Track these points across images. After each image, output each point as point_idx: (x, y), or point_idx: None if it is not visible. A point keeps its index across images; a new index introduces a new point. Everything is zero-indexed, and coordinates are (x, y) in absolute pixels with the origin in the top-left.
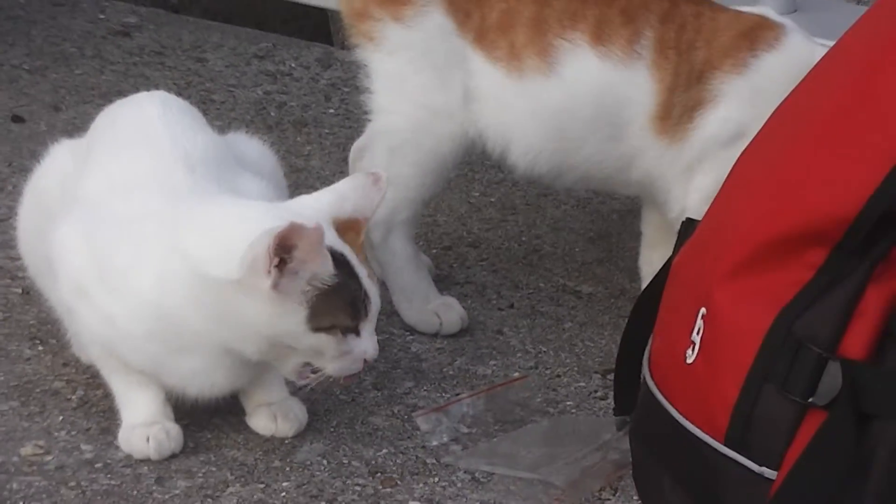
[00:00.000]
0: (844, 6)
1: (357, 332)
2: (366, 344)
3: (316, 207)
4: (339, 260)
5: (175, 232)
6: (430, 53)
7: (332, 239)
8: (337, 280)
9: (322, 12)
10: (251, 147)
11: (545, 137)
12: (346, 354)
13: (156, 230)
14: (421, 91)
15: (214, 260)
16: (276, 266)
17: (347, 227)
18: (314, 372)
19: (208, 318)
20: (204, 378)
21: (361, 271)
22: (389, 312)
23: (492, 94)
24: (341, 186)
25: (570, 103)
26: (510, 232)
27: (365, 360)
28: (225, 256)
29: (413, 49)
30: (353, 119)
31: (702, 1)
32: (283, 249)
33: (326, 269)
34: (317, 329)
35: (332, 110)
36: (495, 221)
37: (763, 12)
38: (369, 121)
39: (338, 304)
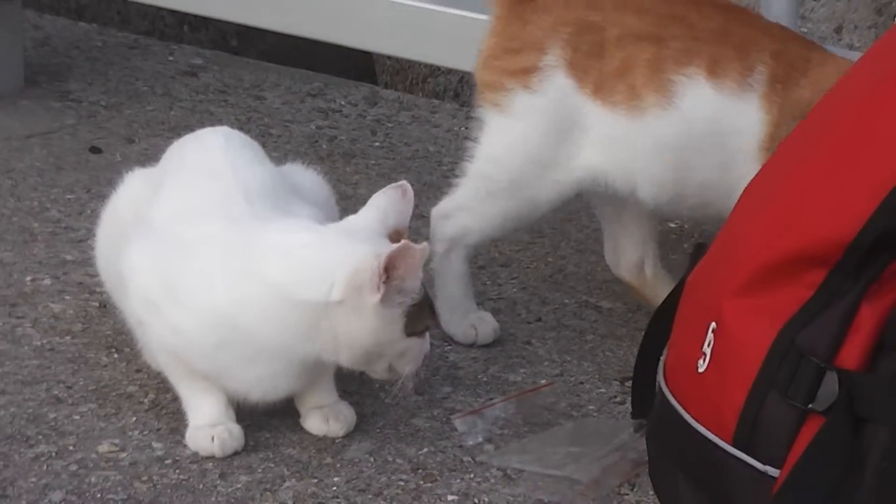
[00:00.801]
0: None
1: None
2: (427, 342)
3: (367, 226)
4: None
5: (247, 256)
6: (552, 113)
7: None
8: (423, 292)
9: (367, 56)
10: (306, 177)
11: (665, 168)
12: (421, 351)
13: (223, 252)
14: (537, 148)
15: (306, 285)
16: (384, 282)
17: (392, 239)
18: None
19: (290, 335)
20: (267, 384)
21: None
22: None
23: (612, 138)
24: (378, 202)
25: (687, 133)
26: (537, 253)
27: (427, 356)
28: (318, 281)
29: (537, 111)
30: (395, 151)
31: (813, 45)
32: (390, 268)
33: (418, 283)
34: (410, 334)
35: (377, 143)
36: (524, 244)
37: None
38: (450, 180)
39: (425, 310)
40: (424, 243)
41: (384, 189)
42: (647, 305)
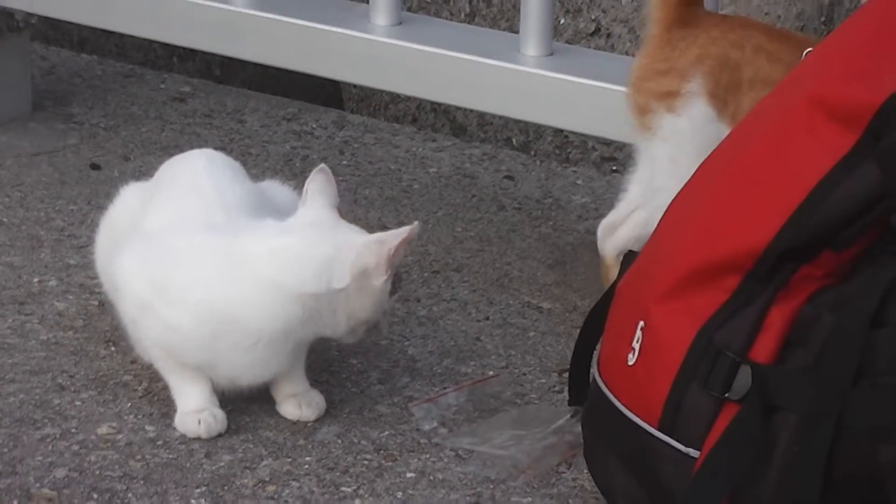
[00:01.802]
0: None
1: None
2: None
3: (328, 215)
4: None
5: (233, 258)
6: (696, 137)
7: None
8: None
9: (336, 84)
10: (282, 192)
11: None
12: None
13: (210, 257)
14: (687, 171)
15: (307, 278)
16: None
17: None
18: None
19: (291, 322)
20: (257, 368)
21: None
22: (391, 322)
23: None
24: (315, 189)
25: None
26: (486, 259)
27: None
28: (319, 273)
29: (682, 135)
30: (361, 169)
31: None
32: (391, 258)
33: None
34: (393, 293)
35: (345, 162)
36: (474, 251)
37: None
38: (616, 197)
39: (399, 273)
40: (416, 223)
41: (311, 177)
42: (603, 286)
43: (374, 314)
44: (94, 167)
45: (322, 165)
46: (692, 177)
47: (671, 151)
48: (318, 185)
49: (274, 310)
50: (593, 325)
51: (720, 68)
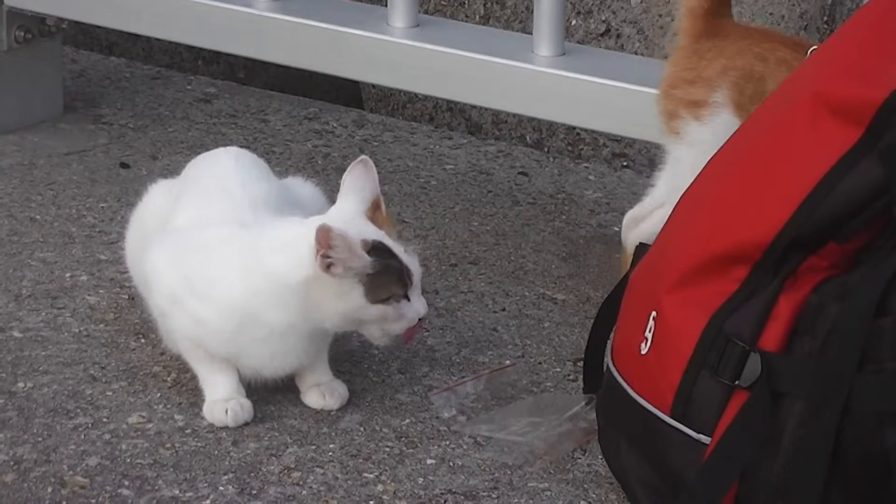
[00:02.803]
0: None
1: (408, 298)
2: (416, 306)
3: (346, 209)
4: (378, 246)
5: (253, 253)
6: (719, 145)
7: (369, 231)
8: (379, 265)
9: (356, 84)
10: (305, 188)
11: None
12: (403, 318)
13: (235, 252)
14: None
15: (289, 269)
16: (322, 256)
17: (374, 209)
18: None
19: (293, 314)
20: (278, 360)
21: (398, 249)
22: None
23: None
24: (349, 183)
25: None
26: (502, 253)
27: (420, 319)
28: (295, 264)
29: (706, 143)
30: (380, 166)
31: None
32: (322, 245)
33: (363, 259)
34: (375, 301)
35: None
36: (490, 244)
37: None
38: (640, 193)
39: (387, 280)
40: (325, 223)
41: (349, 169)
42: (621, 273)
43: (350, 312)
44: (124, 166)
45: (363, 157)
46: (701, 172)
47: (694, 157)
48: (354, 177)
49: (277, 301)
50: (606, 316)
51: (745, 80)
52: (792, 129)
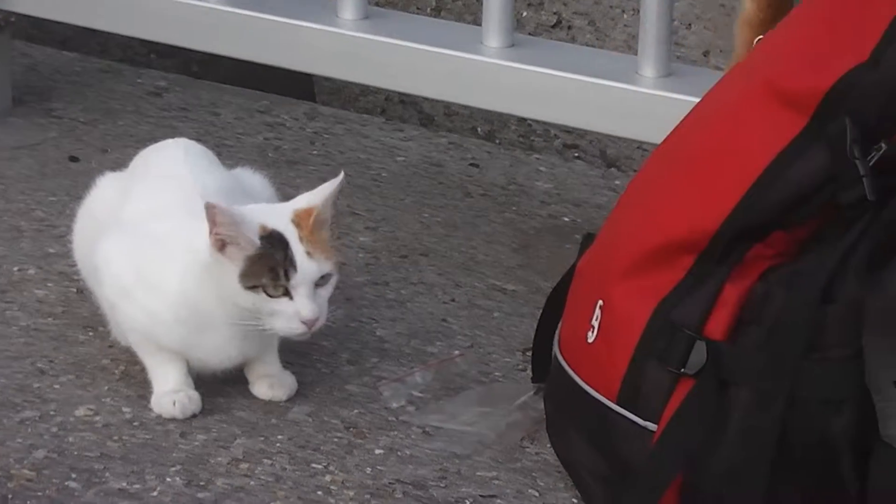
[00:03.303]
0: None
1: (290, 296)
2: (298, 306)
3: (274, 205)
4: (274, 236)
5: (195, 243)
6: None
7: (276, 222)
8: (260, 250)
9: (309, 78)
10: (255, 179)
11: None
12: (279, 314)
13: (181, 244)
14: None
15: (201, 254)
16: (215, 235)
17: (305, 216)
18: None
19: (214, 298)
20: (222, 352)
21: (296, 248)
22: (360, 304)
23: None
24: (308, 192)
25: None
26: (452, 244)
27: (306, 323)
28: (204, 248)
29: None
30: (331, 158)
31: None
32: (210, 222)
33: (247, 240)
34: (247, 287)
35: (315, 152)
36: (441, 236)
37: None
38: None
39: (260, 268)
40: (215, 202)
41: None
42: None
43: (234, 297)
44: (73, 160)
45: (342, 175)
46: (649, 160)
47: None
48: (320, 187)
49: (212, 292)
50: (554, 305)
51: None
52: (740, 116)
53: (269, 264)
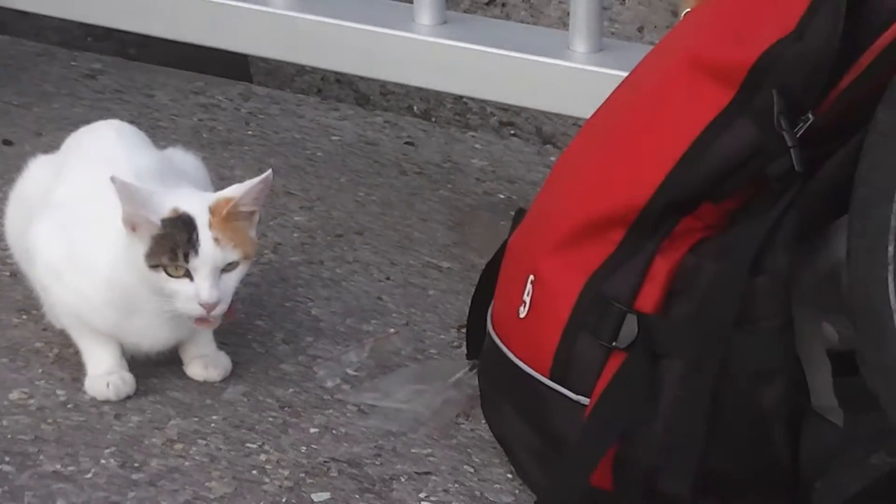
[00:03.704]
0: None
1: (190, 277)
2: (197, 288)
3: (197, 191)
4: (182, 218)
5: (118, 223)
6: None
7: (192, 207)
8: (163, 229)
9: (244, 59)
10: (187, 160)
11: None
12: (179, 294)
13: (106, 223)
14: None
15: (122, 233)
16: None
17: (224, 204)
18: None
19: (139, 280)
20: (153, 334)
21: (204, 232)
22: (295, 284)
23: None
24: (238, 183)
25: None
26: (388, 222)
27: (204, 306)
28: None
29: None
30: (266, 139)
31: None
32: (122, 202)
33: (152, 218)
34: (150, 266)
35: (250, 132)
36: (376, 214)
37: None
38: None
39: (162, 248)
40: (119, 177)
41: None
42: None
43: (140, 275)
44: (7, 143)
45: (269, 172)
46: (578, 134)
47: None
48: (251, 181)
49: (133, 272)
50: (488, 281)
51: None
52: (668, 90)
53: (170, 245)
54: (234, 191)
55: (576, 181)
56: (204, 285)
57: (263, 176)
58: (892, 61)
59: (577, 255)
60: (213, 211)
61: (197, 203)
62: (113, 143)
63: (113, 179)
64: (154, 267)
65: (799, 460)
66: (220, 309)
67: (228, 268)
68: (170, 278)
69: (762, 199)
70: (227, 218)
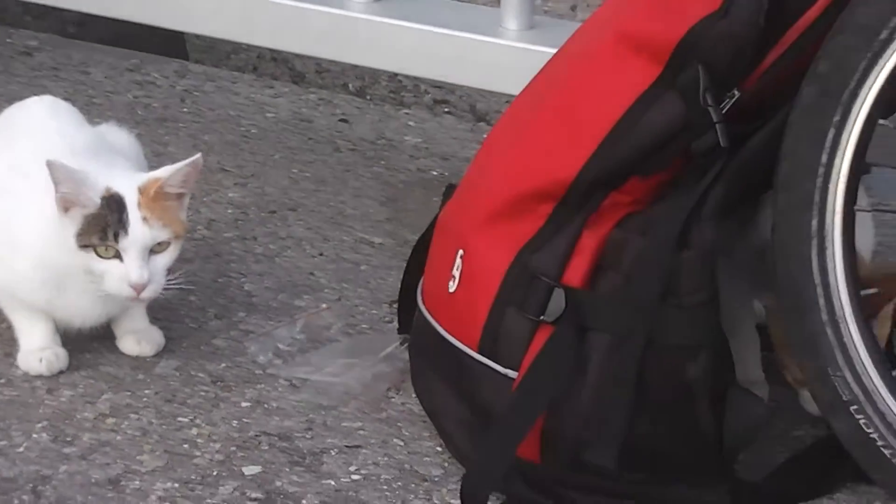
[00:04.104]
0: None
1: (120, 258)
2: (127, 269)
3: (134, 173)
4: (114, 198)
5: (49, 200)
6: None
7: (122, 187)
8: (99, 210)
9: (180, 36)
10: (120, 136)
11: None
12: (109, 275)
13: (37, 200)
14: None
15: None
16: (58, 192)
17: (152, 184)
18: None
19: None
20: (85, 311)
21: (133, 213)
22: (229, 260)
23: None
24: (170, 164)
25: None
26: (321, 199)
27: (134, 287)
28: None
29: None
30: (201, 116)
31: None
32: (56, 182)
33: (86, 197)
34: (80, 246)
35: (185, 109)
36: (310, 191)
37: None
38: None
39: (93, 227)
40: (54, 159)
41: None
42: None
43: (70, 255)
44: None
45: (199, 155)
46: (507, 111)
47: None
48: (180, 163)
49: (63, 250)
50: (419, 257)
51: None
52: (595, 67)
53: (101, 225)
54: (162, 172)
55: (505, 157)
56: (133, 266)
57: (192, 159)
58: (816, 38)
59: (506, 229)
60: (142, 191)
61: (126, 183)
62: (45, 119)
63: (48, 163)
64: (84, 247)
65: (724, 433)
66: (150, 290)
67: (158, 248)
68: (100, 259)
69: (688, 174)
70: (155, 198)
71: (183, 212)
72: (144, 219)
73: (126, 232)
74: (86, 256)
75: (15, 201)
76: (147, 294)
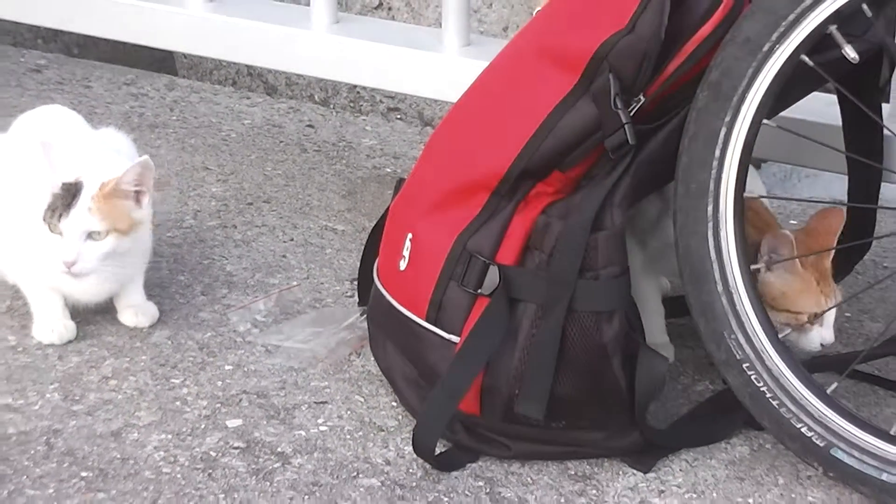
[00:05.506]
0: None
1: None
2: (61, 248)
3: (106, 167)
4: (74, 186)
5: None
6: None
7: (90, 178)
8: (59, 191)
9: (170, 54)
10: (118, 137)
11: None
12: (49, 248)
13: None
14: None
15: None
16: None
17: (109, 184)
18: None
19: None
20: (89, 290)
21: (83, 201)
22: (212, 245)
23: None
24: (129, 166)
25: None
26: (291, 192)
27: (65, 262)
28: None
29: None
30: (187, 122)
31: None
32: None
33: (53, 177)
34: (43, 220)
35: (174, 117)
36: (281, 186)
37: None
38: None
39: (50, 207)
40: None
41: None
42: None
43: (40, 228)
44: None
45: (145, 158)
46: (449, 112)
47: None
48: (135, 164)
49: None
50: (374, 240)
51: None
52: (521, 76)
53: (56, 205)
54: (119, 171)
55: (446, 154)
56: (66, 245)
57: (140, 160)
58: (710, 49)
59: (448, 216)
60: (101, 186)
61: (96, 177)
62: (53, 123)
63: (42, 143)
64: (43, 221)
65: (635, 388)
66: (78, 268)
67: (97, 236)
68: (50, 234)
69: (602, 167)
70: (108, 194)
71: (141, 210)
72: (89, 209)
73: (67, 215)
74: (43, 229)
75: (25, 192)
76: (76, 270)
